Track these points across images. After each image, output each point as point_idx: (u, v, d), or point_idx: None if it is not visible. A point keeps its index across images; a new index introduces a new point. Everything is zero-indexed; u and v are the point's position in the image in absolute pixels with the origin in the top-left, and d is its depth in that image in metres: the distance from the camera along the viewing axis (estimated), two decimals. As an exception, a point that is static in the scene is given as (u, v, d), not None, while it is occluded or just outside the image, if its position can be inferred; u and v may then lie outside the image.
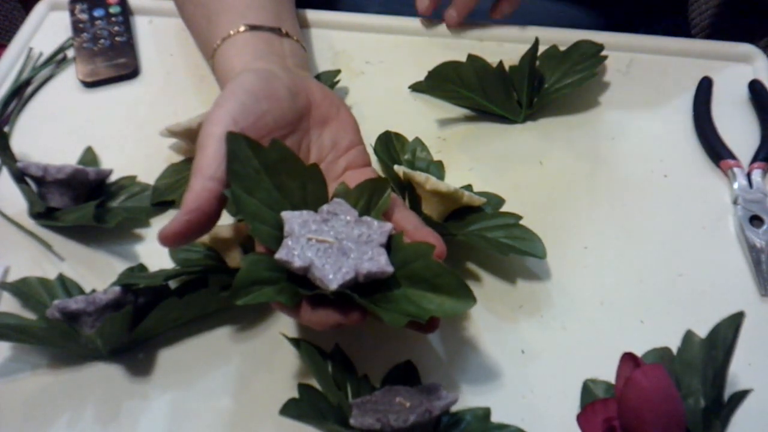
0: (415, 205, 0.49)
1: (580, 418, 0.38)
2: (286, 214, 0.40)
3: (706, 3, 0.92)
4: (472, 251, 0.50)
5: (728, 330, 0.38)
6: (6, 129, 0.59)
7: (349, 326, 0.39)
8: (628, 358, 0.38)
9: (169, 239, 0.38)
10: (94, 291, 0.46)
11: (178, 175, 0.54)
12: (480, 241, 0.47)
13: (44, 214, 0.51)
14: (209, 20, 0.54)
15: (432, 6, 0.64)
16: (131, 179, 0.54)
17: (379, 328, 0.46)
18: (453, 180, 0.54)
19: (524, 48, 0.56)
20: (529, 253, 0.47)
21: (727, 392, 0.38)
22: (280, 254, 0.38)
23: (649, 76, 0.62)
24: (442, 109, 0.60)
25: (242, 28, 0.51)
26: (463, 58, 0.56)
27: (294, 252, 0.38)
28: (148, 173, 0.54)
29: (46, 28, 0.67)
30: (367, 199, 0.42)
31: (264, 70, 0.45)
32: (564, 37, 0.62)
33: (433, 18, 0.65)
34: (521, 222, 0.48)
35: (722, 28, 0.90)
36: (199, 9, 0.56)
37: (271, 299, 0.37)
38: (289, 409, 0.37)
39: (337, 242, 0.39)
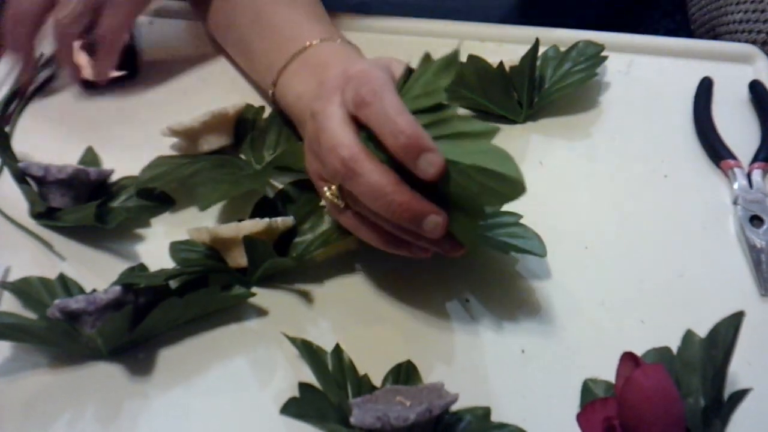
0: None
1: (580, 418, 0.38)
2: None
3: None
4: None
5: (728, 329, 0.39)
6: (7, 129, 0.59)
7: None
8: (628, 358, 0.38)
9: None
10: (94, 291, 0.46)
11: (165, 167, 0.53)
12: (480, 239, 0.47)
13: (45, 214, 0.51)
14: (274, 31, 0.56)
15: None
16: (132, 179, 0.54)
17: (380, 327, 0.46)
18: (453, 180, 0.54)
19: (524, 48, 0.56)
20: (529, 252, 0.47)
21: (727, 391, 0.38)
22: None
23: (649, 76, 0.62)
24: (443, 109, 0.60)
25: (316, 41, 0.53)
26: (463, 58, 0.56)
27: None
28: (149, 173, 0.54)
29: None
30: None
31: (374, 60, 0.47)
32: (564, 37, 0.62)
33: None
34: (521, 221, 0.48)
35: (722, 24, 0.89)
36: (255, 27, 0.58)
37: None
38: (290, 408, 0.37)
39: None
